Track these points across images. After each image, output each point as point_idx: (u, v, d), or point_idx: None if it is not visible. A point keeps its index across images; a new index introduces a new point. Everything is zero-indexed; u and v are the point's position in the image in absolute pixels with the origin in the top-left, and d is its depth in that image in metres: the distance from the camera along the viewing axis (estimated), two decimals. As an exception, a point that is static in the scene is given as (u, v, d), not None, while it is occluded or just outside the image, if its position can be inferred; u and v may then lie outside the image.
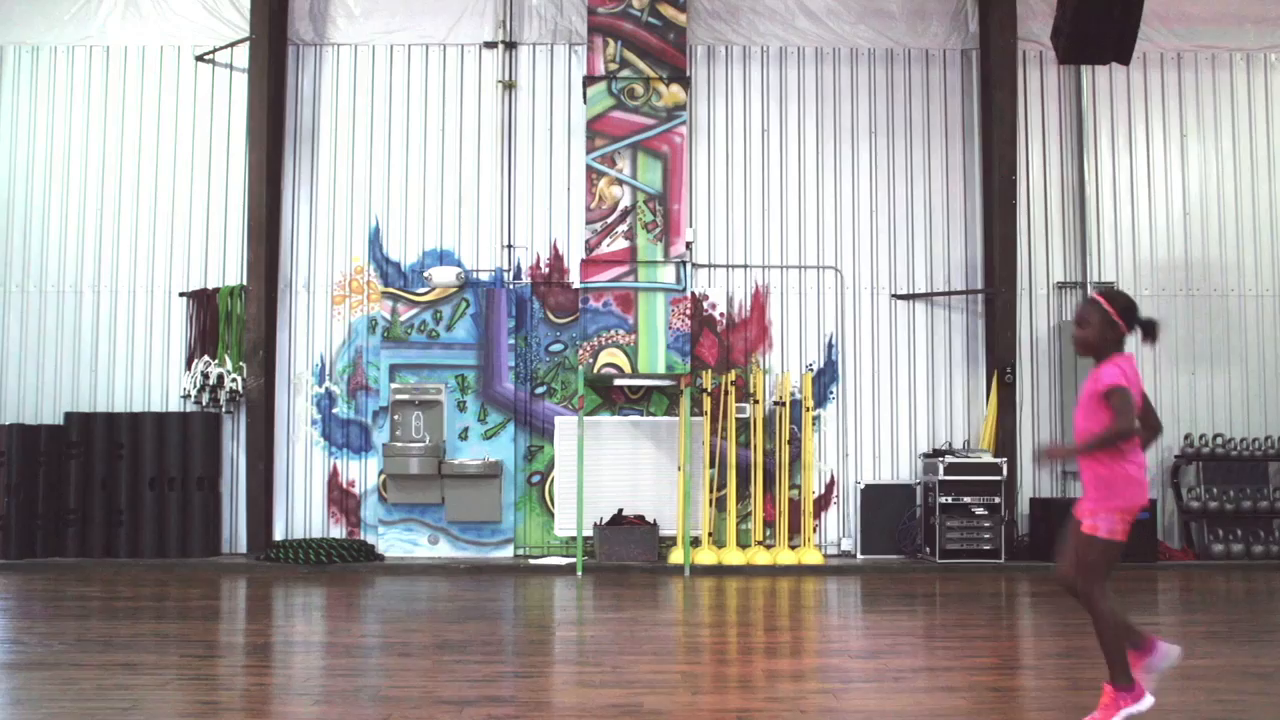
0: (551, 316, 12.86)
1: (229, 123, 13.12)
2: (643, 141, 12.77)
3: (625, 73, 12.81)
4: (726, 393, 12.57)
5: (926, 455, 12.70)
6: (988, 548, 12.08)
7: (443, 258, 12.98)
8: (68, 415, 12.34)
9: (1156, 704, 5.53)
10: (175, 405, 12.86)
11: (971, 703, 5.57)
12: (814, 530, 12.61)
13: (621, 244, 12.71)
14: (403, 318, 12.71)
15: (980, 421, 12.91)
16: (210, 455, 12.42)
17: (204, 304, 12.86)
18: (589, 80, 12.84)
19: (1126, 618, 4.93)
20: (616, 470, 12.51)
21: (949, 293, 13.15)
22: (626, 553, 11.99)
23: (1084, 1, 9.22)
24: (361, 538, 12.59)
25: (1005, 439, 12.62)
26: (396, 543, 12.41)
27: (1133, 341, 4.97)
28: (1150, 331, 4.96)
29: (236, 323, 12.72)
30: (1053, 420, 13.09)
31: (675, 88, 12.82)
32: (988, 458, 12.30)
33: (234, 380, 12.53)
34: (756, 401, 12.64)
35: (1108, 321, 4.88)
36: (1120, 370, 4.83)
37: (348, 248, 13.06)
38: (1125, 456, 4.82)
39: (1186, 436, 12.95)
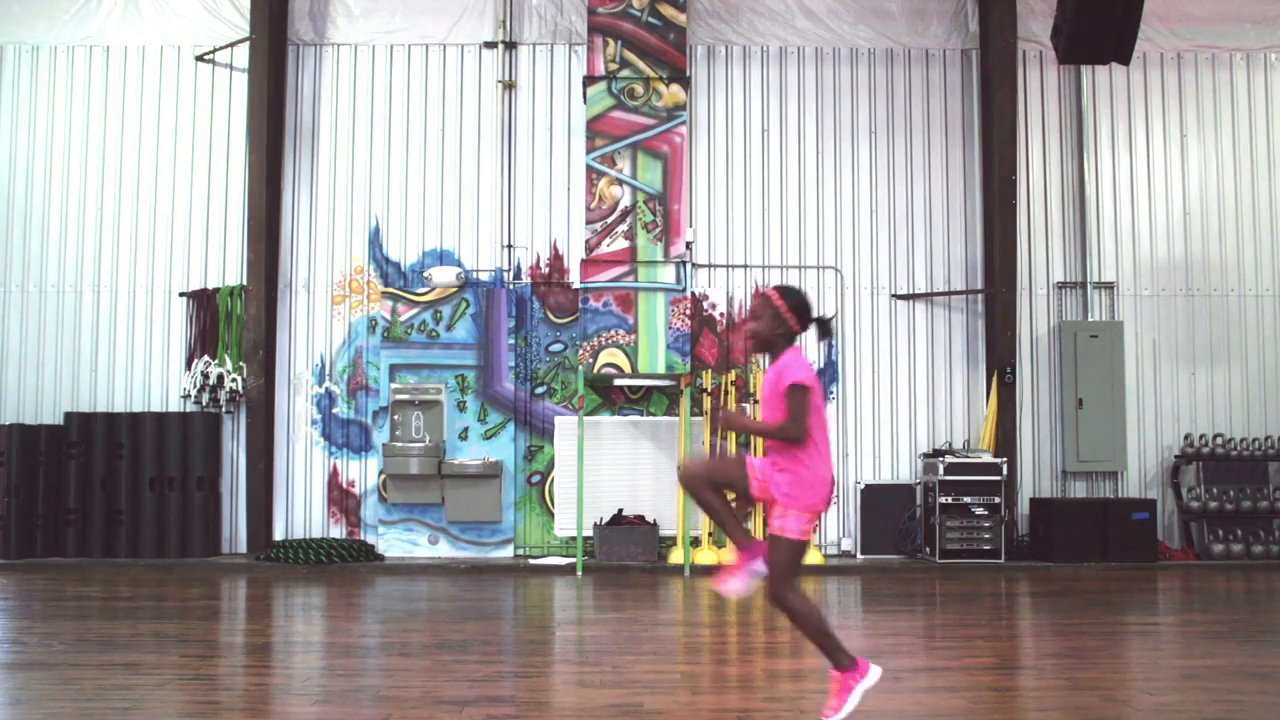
0: (551, 316, 12.87)
1: (229, 123, 13.12)
2: (643, 141, 12.77)
3: (625, 73, 12.81)
4: (726, 392, 12.57)
5: (926, 455, 12.70)
6: (988, 548, 12.08)
7: (443, 258, 12.98)
8: (68, 415, 12.33)
9: (1157, 704, 5.53)
10: (175, 405, 12.85)
11: (971, 703, 5.57)
12: (814, 530, 12.58)
13: (621, 244, 12.71)
14: (403, 318, 12.71)
15: (980, 421, 12.91)
16: (210, 455, 12.42)
17: (204, 304, 12.86)
18: (589, 80, 12.84)
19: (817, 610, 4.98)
20: (616, 470, 12.51)
21: (949, 293, 13.15)
22: (626, 553, 11.99)
23: (1084, 1, 9.22)
24: (361, 538, 12.59)
25: (1005, 439, 12.62)
26: (396, 543, 12.41)
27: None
28: (824, 329, 5.07)
29: (236, 323, 12.72)
30: (1053, 420, 13.10)
31: (675, 88, 12.82)
32: (988, 458, 12.30)
33: (234, 380, 12.53)
34: (757, 401, 12.64)
35: (777, 317, 4.89)
36: (803, 366, 4.84)
37: (348, 248, 13.06)
38: (820, 456, 4.84)
39: (1186, 436, 12.95)
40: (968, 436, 13.00)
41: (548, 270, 12.99)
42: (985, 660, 6.81)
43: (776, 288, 4.98)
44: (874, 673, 4.84)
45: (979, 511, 12.12)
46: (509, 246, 13.02)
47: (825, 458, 4.86)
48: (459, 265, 12.91)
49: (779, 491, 4.81)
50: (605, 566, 11.88)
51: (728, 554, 12.02)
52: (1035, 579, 11.23)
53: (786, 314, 4.87)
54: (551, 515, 12.60)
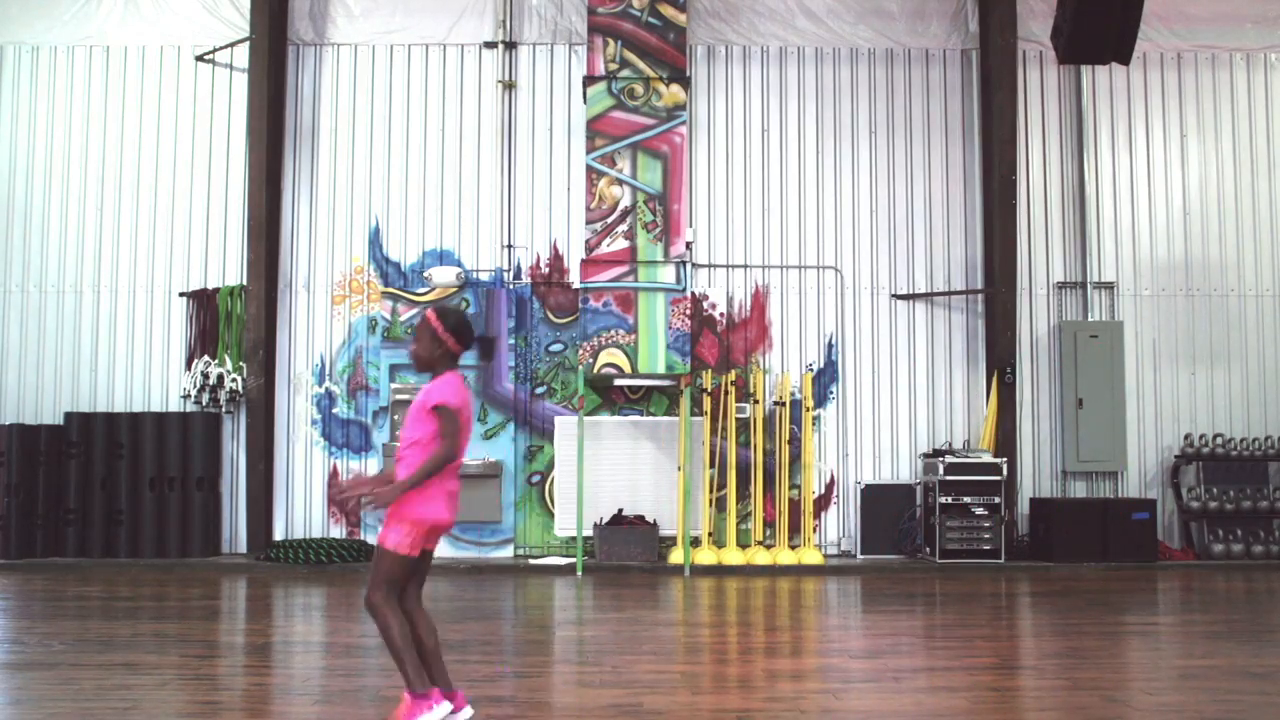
0: (551, 316, 12.87)
1: (229, 123, 13.12)
2: (643, 141, 12.77)
3: (625, 73, 12.81)
4: (726, 393, 12.57)
5: (926, 455, 12.70)
6: (988, 548, 12.08)
7: (443, 258, 12.98)
8: (68, 415, 12.33)
9: (1157, 704, 5.54)
10: (175, 405, 12.85)
11: (971, 703, 5.57)
12: (814, 530, 12.61)
13: (621, 244, 12.72)
14: (403, 318, 12.71)
15: (980, 421, 12.91)
16: (210, 455, 12.42)
17: (204, 304, 12.86)
18: (589, 80, 12.84)
19: (411, 638, 4.81)
20: (616, 470, 12.51)
21: (949, 293, 13.15)
22: (626, 553, 11.99)
23: (1084, 1, 9.22)
24: (361, 538, 12.59)
25: (1005, 439, 12.62)
26: (396, 543, 12.38)
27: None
28: (485, 351, 5.05)
29: (236, 323, 12.72)
30: (1053, 420, 13.09)
31: (675, 88, 12.82)
32: (988, 458, 12.30)
33: (234, 380, 12.53)
34: (756, 401, 12.64)
35: (435, 339, 4.92)
36: (452, 388, 4.86)
37: (348, 248, 13.06)
38: (448, 470, 4.83)
39: (1186, 436, 12.95)
40: (968, 436, 13.00)
41: (548, 270, 12.99)
42: (985, 660, 6.81)
43: (435, 309, 5.02)
44: (442, 709, 4.71)
45: (979, 511, 12.12)
46: (509, 246, 13.02)
47: (451, 472, 4.85)
48: (459, 265, 12.91)
49: (394, 508, 4.79)
50: (605, 566, 11.88)
51: (729, 554, 12.03)
52: (1035, 579, 11.22)
53: (443, 335, 4.91)
54: (551, 515, 12.60)
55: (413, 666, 4.73)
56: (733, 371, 12.73)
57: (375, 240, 13.05)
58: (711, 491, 12.41)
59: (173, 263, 13.06)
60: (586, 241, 12.73)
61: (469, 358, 5.20)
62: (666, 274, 12.70)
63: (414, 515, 4.79)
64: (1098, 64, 10.21)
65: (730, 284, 13.08)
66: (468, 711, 4.89)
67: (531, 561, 12.11)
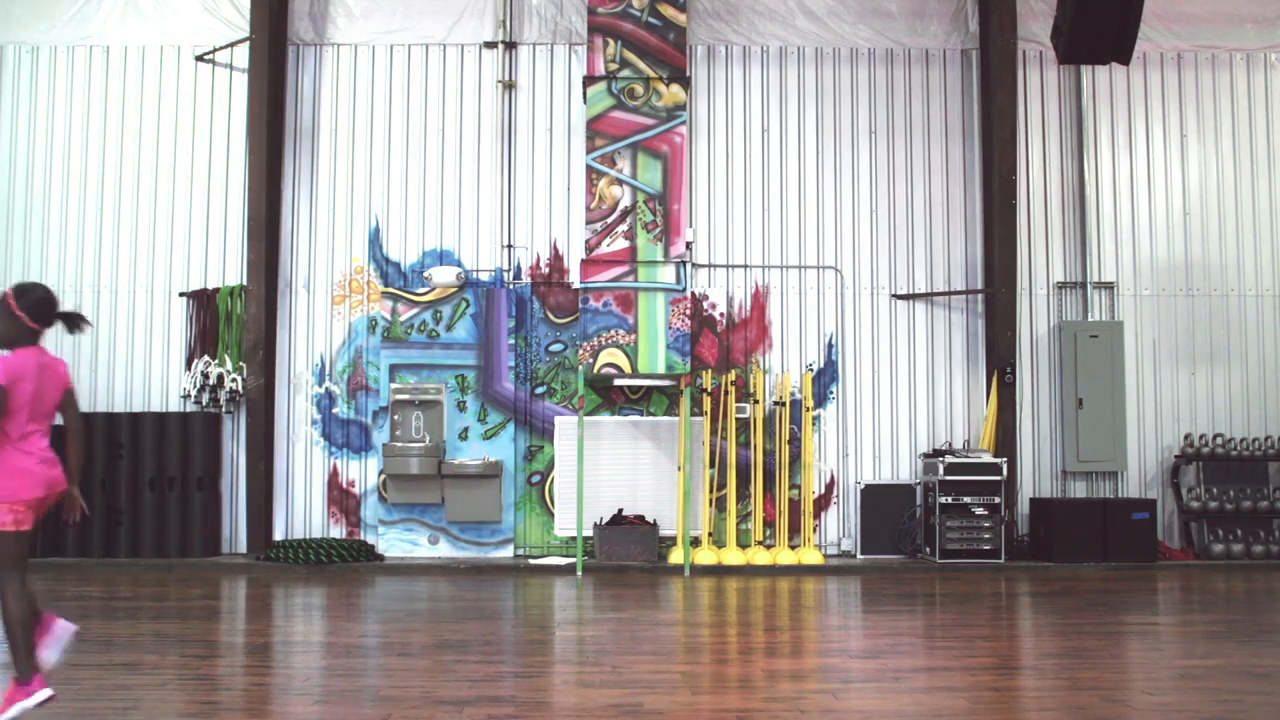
0: (551, 316, 12.87)
1: (229, 123, 13.12)
2: (643, 141, 12.77)
3: (625, 73, 12.81)
4: (726, 393, 12.57)
5: (926, 455, 12.70)
6: (988, 548, 12.08)
7: (443, 258, 12.98)
8: (68, 415, 12.31)
9: (1154, 704, 5.54)
10: (175, 405, 12.86)
11: (971, 703, 5.58)
12: (814, 530, 12.61)
13: (621, 244, 12.72)
14: (403, 318, 12.71)
15: (980, 421, 12.91)
16: (210, 455, 12.42)
17: (204, 304, 12.86)
18: (589, 80, 12.84)
19: (31, 612, 5.05)
20: (616, 470, 12.51)
21: (949, 293, 13.15)
22: (626, 553, 11.99)
23: (1084, 1, 9.22)
24: (361, 538, 12.59)
25: (1005, 439, 12.63)
26: (396, 543, 12.41)
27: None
28: (72, 324, 5.15)
29: (236, 323, 12.72)
30: (1053, 420, 13.09)
31: (675, 88, 12.83)
32: (988, 458, 12.30)
33: (234, 380, 12.53)
34: (756, 401, 12.64)
35: (11, 315, 4.92)
36: (10, 365, 4.86)
37: (348, 248, 13.06)
38: (17, 447, 4.90)
39: (1186, 436, 12.95)
40: (968, 436, 13.00)
41: (548, 270, 12.99)
42: (985, 660, 6.81)
43: (14, 286, 5.02)
44: (41, 695, 4.88)
45: (979, 511, 12.12)
46: (509, 246, 13.02)
47: (25, 450, 4.92)
48: (459, 265, 12.91)
49: None
50: (605, 566, 11.88)
51: (729, 554, 12.02)
52: (1035, 579, 11.23)
53: (18, 312, 4.91)
54: (551, 515, 12.60)
55: (24, 656, 4.89)
56: (733, 371, 12.73)
57: (375, 240, 13.05)
58: (711, 491, 12.41)
59: (173, 263, 13.06)
60: (586, 241, 12.74)
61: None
62: (666, 274, 12.70)
63: (9, 493, 4.91)
64: (1098, 64, 10.20)
65: (730, 284, 13.08)
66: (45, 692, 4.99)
67: (531, 561, 12.11)
